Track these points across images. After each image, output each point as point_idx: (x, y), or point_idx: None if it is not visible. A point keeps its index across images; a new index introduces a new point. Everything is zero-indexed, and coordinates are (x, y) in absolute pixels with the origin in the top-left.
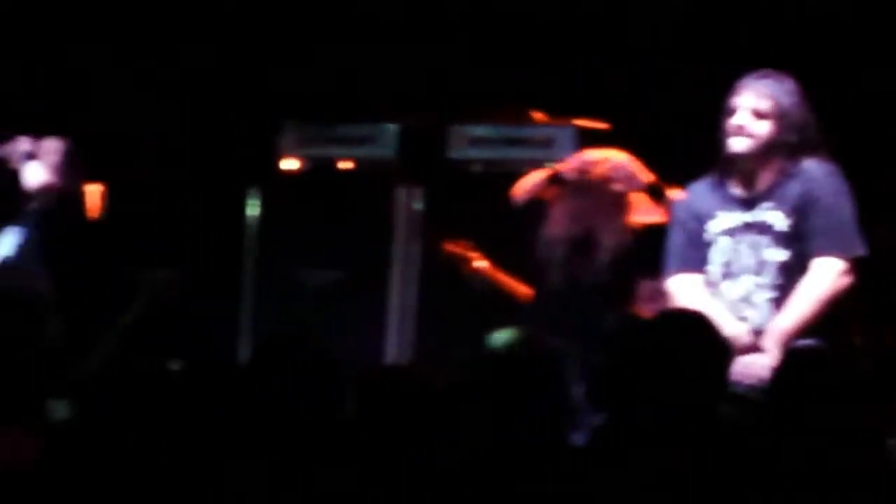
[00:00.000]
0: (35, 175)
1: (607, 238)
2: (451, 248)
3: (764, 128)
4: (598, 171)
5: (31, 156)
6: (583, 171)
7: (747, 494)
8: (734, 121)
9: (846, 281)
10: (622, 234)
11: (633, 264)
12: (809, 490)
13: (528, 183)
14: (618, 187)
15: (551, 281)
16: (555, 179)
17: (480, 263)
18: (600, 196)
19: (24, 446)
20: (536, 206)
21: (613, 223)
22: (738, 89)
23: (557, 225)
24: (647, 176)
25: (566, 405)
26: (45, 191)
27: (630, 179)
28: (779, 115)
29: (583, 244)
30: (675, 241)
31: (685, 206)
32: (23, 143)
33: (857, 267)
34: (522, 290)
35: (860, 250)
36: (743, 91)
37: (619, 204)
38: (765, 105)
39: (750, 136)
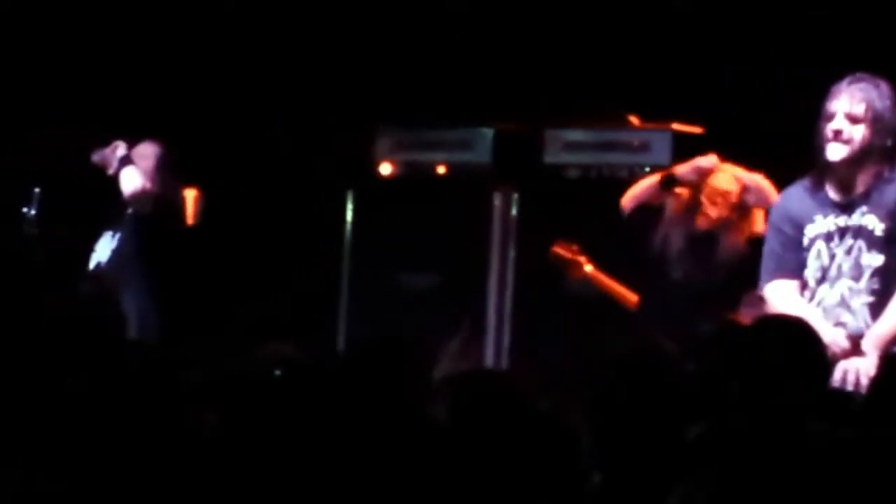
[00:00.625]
0: (130, 180)
1: (729, 242)
2: (560, 250)
3: (859, 132)
4: (743, 181)
5: (126, 160)
6: (700, 173)
7: (838, 497)
8: (831, 126)
9: None
10: (742, 242)
11: (745, 272)
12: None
13: (638, 189)
14: (749, 199)
15: (667, 273)
16: (667, 183)
17: (588, 267)
18: (727, 201)
19: None
20: (645, 213)
21: (737, 229)
22: (834, 94)
23: (678, 219)
24: (775, 197)
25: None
26: (140, 195)
27: (763, 197)
28: (873, 120)
29: (703, 242)
30: (772, 246)
31: (781, 210)
32: (119, 148)
33: None
34: (629, 296)
35: None
36: (838, 96)
37: (744, 214)
38: (859, 109)
39: (846, 141)
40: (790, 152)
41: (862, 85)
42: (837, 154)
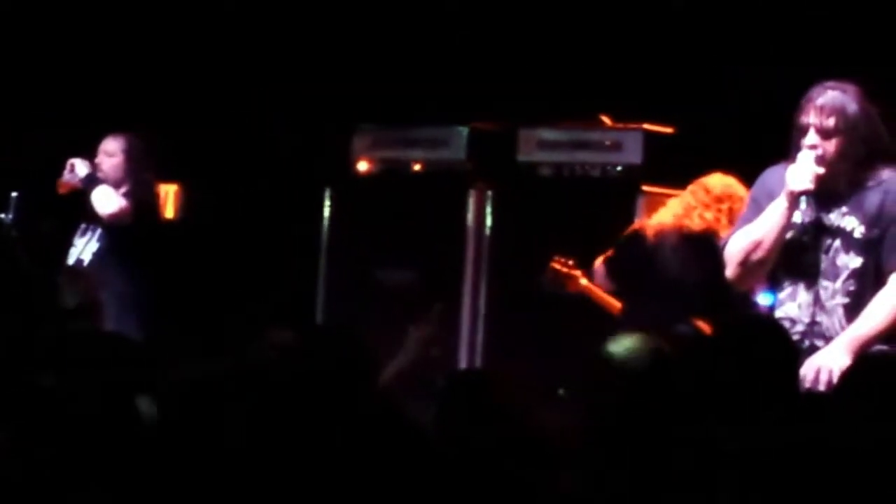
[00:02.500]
0: (106, 202)
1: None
2: (557, 266)
3: (832, 146)
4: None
5: (93, 179)
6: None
7: (813, 496)
8: (805, 141)
9: None
10: None
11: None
12: (876, 495)
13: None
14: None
15: (658, 270)
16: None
17: (584, 281)
18: (722, 206)
19: None
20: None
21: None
22: (804, 107)
23: (670, 216)
24: None
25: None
26: (118, 217)
27: None
28: (845, 130)
29: (697, 242)
30: (747, 217)
31: (763, 186)
32: (77, 167)
33: None
34: (615, 304)
35: None
36: (808, 109)
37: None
38: (830, 123)
39: (821, 157)
40: (760, 152)
41: (830, 95)
42: (804, 185)
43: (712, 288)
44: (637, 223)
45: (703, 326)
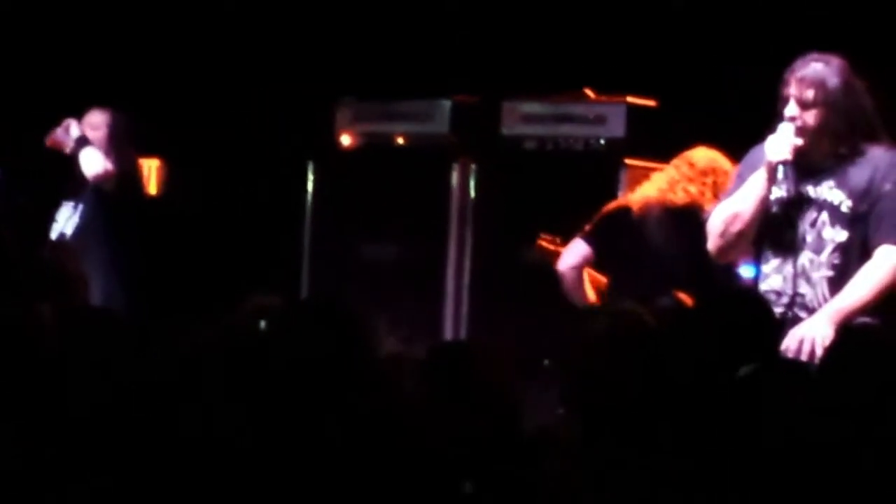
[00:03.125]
0: (92, 163)
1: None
2: (544, 243)
3: (812, 117)
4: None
5: (83, 141)
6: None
7: (794, 468)
8: (787, 112)
9: None
10: None
11: None
12: (855, 466)
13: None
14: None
15: (642, 244)
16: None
17: None
18: (706, 179)
19: None
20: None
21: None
22: (786, 79)
23: (654, 190)
24: None
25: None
26: (102, 178)
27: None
28: (825, 102)
29: (681, 216)
30: (730, 193)
31: (750, 162)
32: (72, 127)
33: None
34: (600, 279)
35: None
36: (790, 81)
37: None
38: (809, 95)
39: (801, 129)
40: (744, 125)
41: (812, 67)
42: (782, 155)
43: (696, 261)
44: (621, 197)
45: (686, 299)
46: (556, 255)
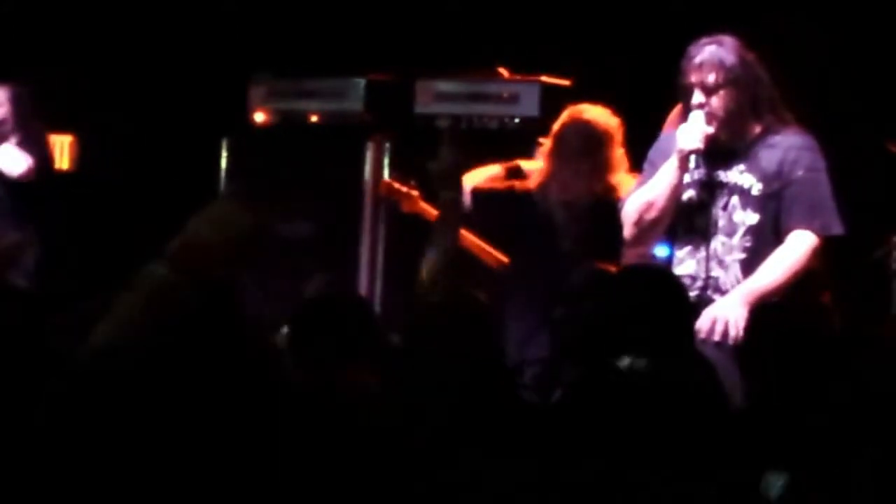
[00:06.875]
0: (13, 162)
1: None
2: (393, 182)
3: (718, 100)
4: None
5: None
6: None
7: (716, 447)
8: (693, 100)
9: (819, 257)
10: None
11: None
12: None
13: (483, 175)
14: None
15: (557, 244)
16: (512, 174)
17: (422, 203)
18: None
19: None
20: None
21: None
22: (685, 67)
23: (563, 186)
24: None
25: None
26: (25, 177)
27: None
28: (726, 83)
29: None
30: (643, 181)
31: (660, 149)
32: None
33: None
34: (496, 255)
35: (838, 229)
36: (688, 69)
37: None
38: (711, 78)
39: (709, 115)
40: (659, 106)
41: (707, 50)
42: (694, 143)
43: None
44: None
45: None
46: (406, 196)
